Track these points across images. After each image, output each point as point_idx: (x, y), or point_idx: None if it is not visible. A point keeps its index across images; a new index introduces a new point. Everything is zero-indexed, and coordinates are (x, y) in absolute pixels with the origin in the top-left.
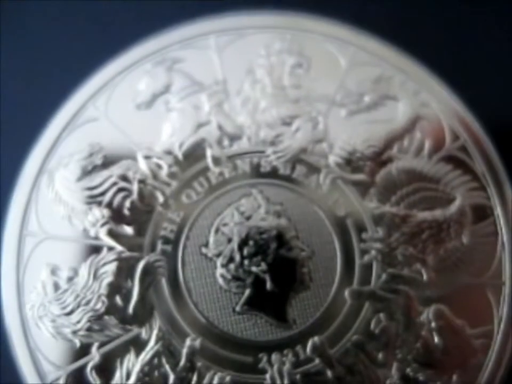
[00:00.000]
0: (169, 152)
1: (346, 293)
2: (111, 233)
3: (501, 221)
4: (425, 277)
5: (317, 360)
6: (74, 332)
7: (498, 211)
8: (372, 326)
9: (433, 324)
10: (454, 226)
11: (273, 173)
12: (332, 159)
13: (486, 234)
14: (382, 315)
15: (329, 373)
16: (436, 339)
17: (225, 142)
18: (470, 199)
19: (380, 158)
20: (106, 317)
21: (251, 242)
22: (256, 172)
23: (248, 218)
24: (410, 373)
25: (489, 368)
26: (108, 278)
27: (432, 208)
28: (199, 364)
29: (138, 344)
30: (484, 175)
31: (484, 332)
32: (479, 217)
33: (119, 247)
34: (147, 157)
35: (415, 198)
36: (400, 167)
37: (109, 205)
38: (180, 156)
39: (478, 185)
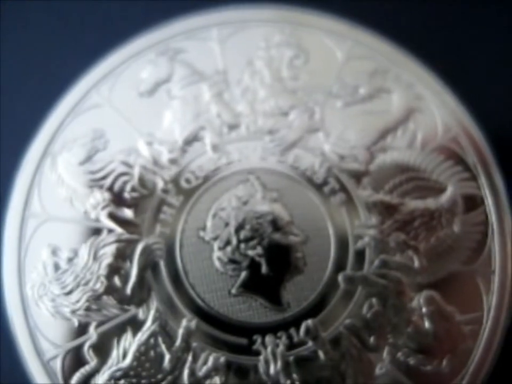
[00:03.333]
0: (169, 139)
1: (340, 277)
2: (112, 216)
3: (491, 211)
4: (416, 263)
5: (310, 343)
6: (73, 311)
7: (488, 201)
8: (364, 310)
9: (424, 310)
10: (445, 215)
11: (270, 161)
12: (328, 148)
13: (477, 223)
14: (374, 300)
15: (321, 356)
16: (427, 324)
17: (224, 130)
18: (461, 189)
19: (374, 148)
20: (104, 297)
21: (247, 227)
22: (254, 159)
23: (245, 203)
24: (401, 357)
25: (478, 354)
26: (107, 259)
27: (424, 197)
28: (194, 345)
29: (135, 324)
30: (475, 166)
31: (474, 318)
32: (470, 206)
33: (118, 230)
34: (148, 143)
35: (407, 187)
36: (393, 157)
37: (110, 188)
38: (180, 143)
39: (469, 176)
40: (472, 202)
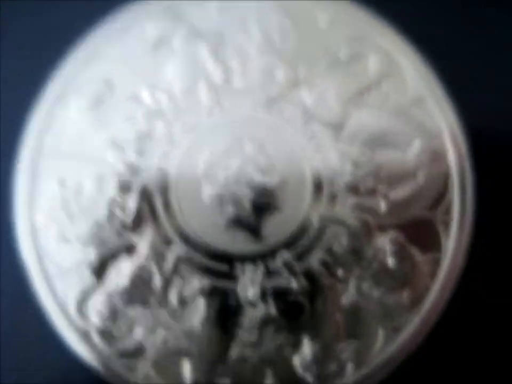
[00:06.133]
0: (170, 89)
1: (314, 217)
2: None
3: (453, 164)
4: (383, 207)
5: (285, 273)
6: (77, 238)
7: (451, 155)
8: (335, 247)
9: (388, 248)
10: (411, 167)
11: (257, 112)
12: (308, 102)
13: (439, 175)
14: (343, 238)
15: (295, 285)
16: (390, 261)
17: (218, 84)
18: (426, 144)
19: (350, 104)
20: (106, 225)
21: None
22: (243, 110)
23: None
24: (366, 289)
25: (435, 291)
26: (110, 191)
27: (394, 150)
28: (182, 269)
29: (132, 250)
30: (440, 124)
31: (433, 259)
32: (434, 159)
33: (121, 165)
34: (150, 93)
35: (379, 141)
36: (368, 114)
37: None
38: (179, 93)
39: (435, 133)
40: (437, 156)
